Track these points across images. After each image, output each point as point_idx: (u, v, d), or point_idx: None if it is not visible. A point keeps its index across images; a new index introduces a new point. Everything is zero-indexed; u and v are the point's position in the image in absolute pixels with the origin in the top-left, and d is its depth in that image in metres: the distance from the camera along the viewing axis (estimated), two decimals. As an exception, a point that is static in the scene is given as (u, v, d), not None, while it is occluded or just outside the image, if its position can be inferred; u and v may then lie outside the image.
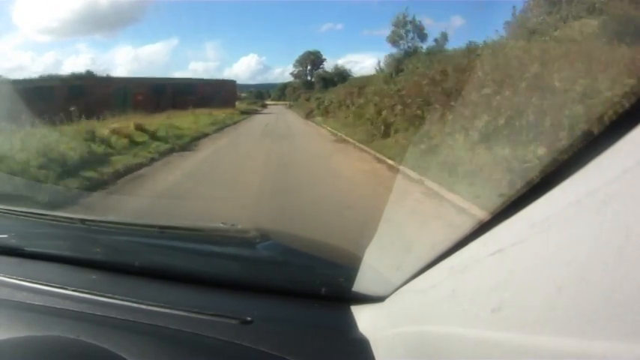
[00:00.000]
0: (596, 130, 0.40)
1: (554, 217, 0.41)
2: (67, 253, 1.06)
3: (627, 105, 0.38)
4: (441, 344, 0.56)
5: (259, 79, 22.11)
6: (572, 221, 0.39)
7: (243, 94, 20.24)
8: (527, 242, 0.44)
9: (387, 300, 0.78)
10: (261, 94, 21.56)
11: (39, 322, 0.81)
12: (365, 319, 0.79)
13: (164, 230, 1.13)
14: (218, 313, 0.81)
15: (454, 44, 11.66)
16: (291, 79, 20.23)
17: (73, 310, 0.84)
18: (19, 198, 3.41)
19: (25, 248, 1.07)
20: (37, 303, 0.87)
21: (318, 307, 0.86)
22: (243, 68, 24.32)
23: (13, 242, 1.10)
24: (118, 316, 0.81)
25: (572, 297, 0.37)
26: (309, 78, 19.80)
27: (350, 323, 0.80)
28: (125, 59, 20.60)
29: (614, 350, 0.33)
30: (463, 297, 0.53)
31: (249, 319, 0.79)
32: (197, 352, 0.75)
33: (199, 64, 22.39)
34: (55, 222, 1.26)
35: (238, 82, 19.61)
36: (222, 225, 1.19)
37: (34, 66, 21.83)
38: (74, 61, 21.55)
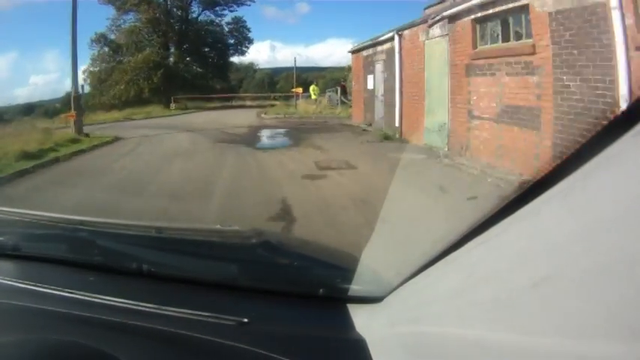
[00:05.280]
0: (589, 135, 0.42)
1: (551, 217, 0.42)
2: (64, 254, 1.07)
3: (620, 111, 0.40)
4: (438, 344, 0.57)
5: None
6: (569, 221, 0.40)
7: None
8: (526, 242, 0.45)
9: (384, 300, 0.80)
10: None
11: (36, 324, 0.82)
12: (362, 319, 0.81)
13: (161, 231, 1.15)
14: (215, 314, 0.82)
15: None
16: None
17: (70, 312, 0.84)
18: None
19: (22, 250, 1.08)
20: (33, 305, 0.87)
21: (315, 308, 0.88)
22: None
23: (10, 244, 1.11)
24: (115, 318, 0.82)
25: (570, 298, 0.38)
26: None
27: (347, 324, 0.81)
28: None
29: (613, 351, 0.33)
30: (460, 297, 0.54)
31: (246, 320, 0.80)
32: (194, 354, 0.76)
33: (39, 78, 20.38)
34: (51, 223, 1.27)
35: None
36: (219, 226, 1.21)
37: None
38: None
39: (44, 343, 0.76)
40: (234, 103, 27.44)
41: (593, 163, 0.39)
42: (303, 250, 1.22)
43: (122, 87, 25.03)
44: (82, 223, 1.20)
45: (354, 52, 14.15)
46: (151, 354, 0.76)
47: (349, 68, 17.72)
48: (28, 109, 19.97)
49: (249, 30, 29.87)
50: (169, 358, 0.75)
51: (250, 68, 34.18)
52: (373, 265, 0.92)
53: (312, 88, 21.20)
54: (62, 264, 1.04)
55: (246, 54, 30.48)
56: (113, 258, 1.06)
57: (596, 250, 0.36)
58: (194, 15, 28.77)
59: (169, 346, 0.77)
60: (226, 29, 29.89)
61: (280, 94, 26.45)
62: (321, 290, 0.88)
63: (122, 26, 26.57)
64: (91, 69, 26.73)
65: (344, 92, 19.54)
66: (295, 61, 21.60)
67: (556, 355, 0.38)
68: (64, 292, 0.91)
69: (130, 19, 26.40)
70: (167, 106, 23.89)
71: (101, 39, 26.79)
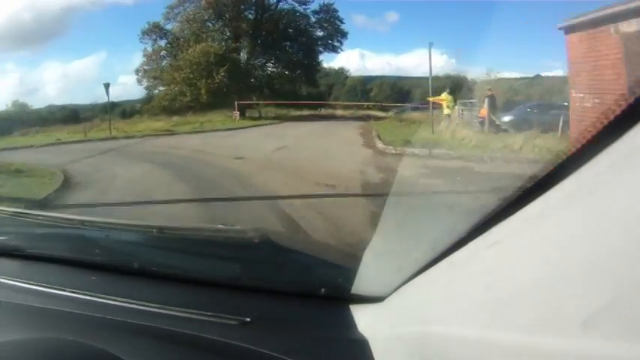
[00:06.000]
0: (591, 133, 0.49)
1: (551, 214, 0.51)
2: (66, 254, 1.33)
3: (619, 109, 0.47)
4: (441, 344, 0.68)
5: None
6: (569, 219, 0.48)
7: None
8: (526, 239, 0.54)
9: (386, 300, 0.97)
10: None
11: (38, 323, 1.02)
12: (364, 319, 0.98)
13: (163, 231, 1.39)
14: (217, 313, 1.00)
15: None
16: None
17: (72, 312, 1.05)
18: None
19: (25, 250, 1.36)
20: (36, 305, 1.10)
21: (317, 308, 1.08)
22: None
23: (13, 244, 1.39)
24: (118, 318, 1.02)
25: (571, 297, 0.45)
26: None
27: (349, 323, 0.99)
28: (55, 76, 24.05)
29: (613, 351, 0.39)
30: (463, 297, 0.66)
31: (248, 319, 0.98)
32: (196, 353, 0.93)
33: (128, 78, 22.41)
34: (54, 223, 1.56)
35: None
36: (221, 226, 1.45)
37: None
38: (2, 82, 24.36)
39: (47, 343, 0.92)
40: (322, 112, 25.39)
41: (604, 160, 0.47)
42: (305, 250, 1.43)
43: (176, 88, 23.37)
44: (83, 222, 1.47)
45: (575, 28, 9.17)
46: (153, 354, 0.92)
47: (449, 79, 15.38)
48: (111, 107, 22.71)
49: (341, 21, 26.59)
50: (172, 357, 0.92)
51: (341, 74, 32.26)
52: (375, 264, 1.14)
53: (444, 97, 16.73)
54: (64, 264, 1.30)
55: (339, 50, 27.26)
56: (115, 258, 1.31)
57: (597, 250, 0.44)
58: (271, 1, 26.72)
59: (172, 346, 0.94)
60: (313, 19, 26.84)
61: (374, 104, 24.67)
62: (322, 290, 1.08)
63: (181, 14, 25.43)
64: (146, 67, 25.56)
65: (493, 107, 14.90)
66: (431, 54, 16.93)
67: (557, 354, 0.45)
68: (66, 291, 1.14)
69: (191, 6, 25.20)
70: (231, 112, 22.91)
71: (155, 30, 25.24)
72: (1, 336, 0.92)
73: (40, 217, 1.54)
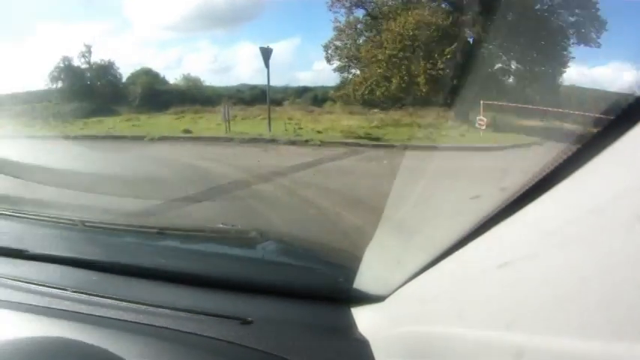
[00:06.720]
0: (603, 123, 0.47)
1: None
2: (67, 254, 1.36)
3: None
4: (441, 345, 0.69)
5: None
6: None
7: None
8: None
9: (387, 300, 0.99)
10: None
11: (39, 323, 1.04)
12: (365, 319, 1.01)
13: (164, 231, 1.41)
14: (218, 313, 1.04)
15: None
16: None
17: (73, 311, 1.08)
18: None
19: (25, 250, 1.38)
20: (37, 304, 1.12)
21: (318, 308, 1.10)
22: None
23: (14, 243, 1.41)
24: (118, 317, 1.05)
25: (571, 298, 0.45)
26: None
27: (350, 323, 1.01)
28: (247, 57, 23.68)
29: (613, 351, 0.39)
30: (463, 297, 0.66)
31: (249, 319, 1.01)
32: (197, 353, 0.95)
33: (323, 64, 21.14)
34: (55, 223, 1.57)
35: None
36: (222, 226, 1.45)
37: (155, 62, 26.69)
38: (196, 58, 25.93)
39: (47, 343, 0.93)
40: (544, 123, 17.51)
41: (605, 158, 0.45)
42: (305, 250, 1.44)
43: (379, 70, 17.29)
44: (84, 223, 1.48)
45: None
46: (154, 353, 0.93)
47: None
48: (302, 92, 22.28)
49: (596, 7, 17.83)
50: (172, 357, 0.93)
51: (552, 81, 27.64)
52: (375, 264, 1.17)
53: None
54: (65, 264, 1.31)
55: (594, 45, 18.16)
56: (116, 258, 1.32)
57: (597, 250, 0.44)
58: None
59: (172, 346, 0.95)
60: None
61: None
62: (323, 290, 1.11)
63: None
64: (337, 42, 19.67)
65: None
66: None
67: (557, 354, 0.45)
68: (67, 291, 1.16)
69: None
70: (465, 117, 14.54)
71: (349, -5, 21.62)
72: (2, 335, 0.93)
73: (41, 217, 1.57)
